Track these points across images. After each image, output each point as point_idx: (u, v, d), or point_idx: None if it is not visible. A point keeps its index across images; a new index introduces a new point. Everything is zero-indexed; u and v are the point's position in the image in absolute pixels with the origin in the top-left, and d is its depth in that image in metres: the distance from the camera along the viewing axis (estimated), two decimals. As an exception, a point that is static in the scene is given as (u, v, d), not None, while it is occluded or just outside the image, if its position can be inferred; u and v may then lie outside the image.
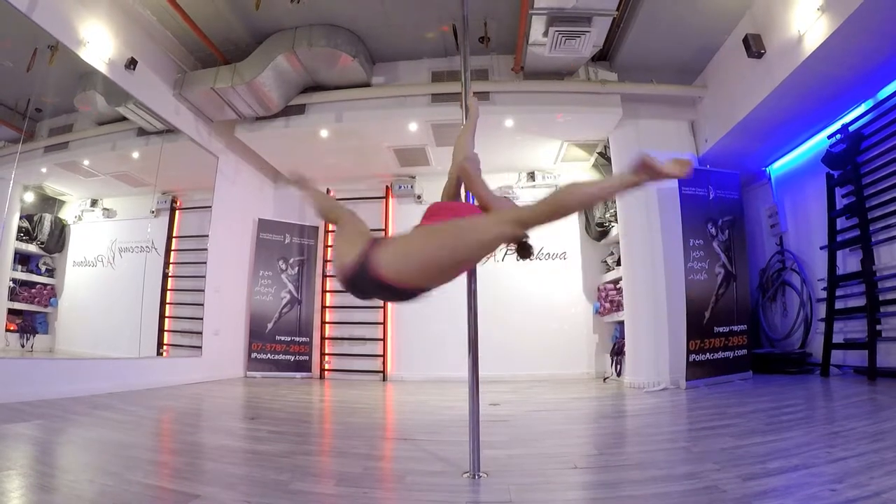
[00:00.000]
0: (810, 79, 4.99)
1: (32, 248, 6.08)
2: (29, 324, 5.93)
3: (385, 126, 6.79)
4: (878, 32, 4.28)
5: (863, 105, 5.57)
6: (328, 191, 2.62)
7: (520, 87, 6.45)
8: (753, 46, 5.29)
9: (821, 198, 6.17)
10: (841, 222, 5.97)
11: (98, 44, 5.22)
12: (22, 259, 5.95)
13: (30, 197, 6.06)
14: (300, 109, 6.79)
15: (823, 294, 6.12)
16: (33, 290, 6.07)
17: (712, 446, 2.69)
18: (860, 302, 5.57)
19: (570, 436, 3.35)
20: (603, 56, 6.70)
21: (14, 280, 5.81)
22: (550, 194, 1.92)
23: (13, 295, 5.79)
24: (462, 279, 2.42)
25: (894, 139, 5.21)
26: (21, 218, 5.87)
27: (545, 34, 5.55)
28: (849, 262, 5.90)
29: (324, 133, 6.88)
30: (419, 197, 8.34)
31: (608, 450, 2.88)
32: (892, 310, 5.26)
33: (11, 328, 5.70)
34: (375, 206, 8.34)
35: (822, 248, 6.18)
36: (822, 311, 6.16)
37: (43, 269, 6.22)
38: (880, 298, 5.37)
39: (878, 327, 5.32)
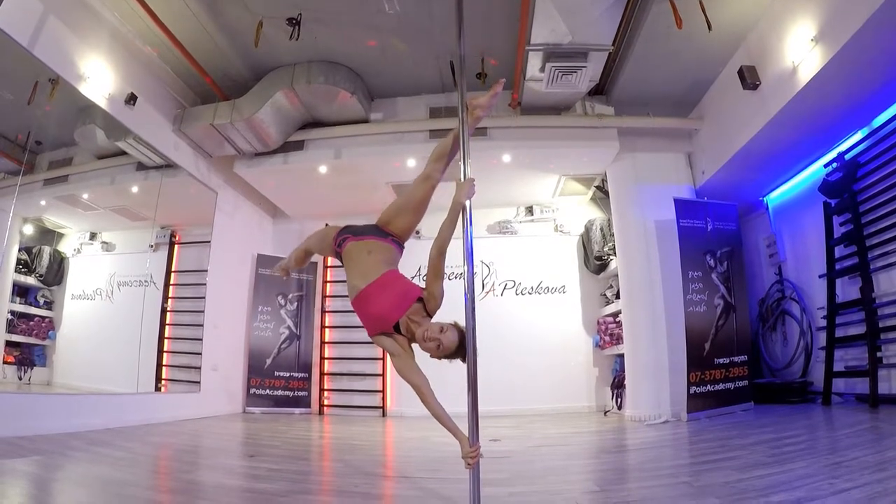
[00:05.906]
0: (805, 109, 5.05)
1: (31, 280, 6.09)
2: (27, 356, 5.90)
3: (383, 162, 6.81)
4: (870, 62, 4.35)
5: (858, 133, 5.61)
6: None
7: (517, 122, 6.53)
8: (748, 78, 5.36)
9: (819, 226, 6.18)
10: (839, 250, 5.97)
11: (98, 79, 5.29)
12: (20, 291, 5.96)
13: (29, 229, 6.09)
14: (299, 145, 6.85)
15: (823, 322, 6.09)
16: (31, 323, 6.05)
17: (715, 480, 2.65)
18: (860, 329, 5.55)
19: (572, 472, 3.31)
20: (599, 90, 6.79)
21: (12, 312, 5.80)
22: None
23: (11, 327, 5.78)
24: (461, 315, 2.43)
25: (890, 166, 5.25)
26: (20, 250, 5.89)
27: (542, 70, 5.64)
28: (848, 289, 5.89)
29: (322, 169, 6.91)
30: (417, 233, 8.32)
31: (610, 486, 2.85)
32: (892, 336, 5.23)
33: (9, 360, 5.67)
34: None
35: (820, 277, 6.18)
36: (822, 339, 6.13)
37: (41, 301, 6.21)
38: (880, 325, 5.35)
39: (879, 354, 5.29)
